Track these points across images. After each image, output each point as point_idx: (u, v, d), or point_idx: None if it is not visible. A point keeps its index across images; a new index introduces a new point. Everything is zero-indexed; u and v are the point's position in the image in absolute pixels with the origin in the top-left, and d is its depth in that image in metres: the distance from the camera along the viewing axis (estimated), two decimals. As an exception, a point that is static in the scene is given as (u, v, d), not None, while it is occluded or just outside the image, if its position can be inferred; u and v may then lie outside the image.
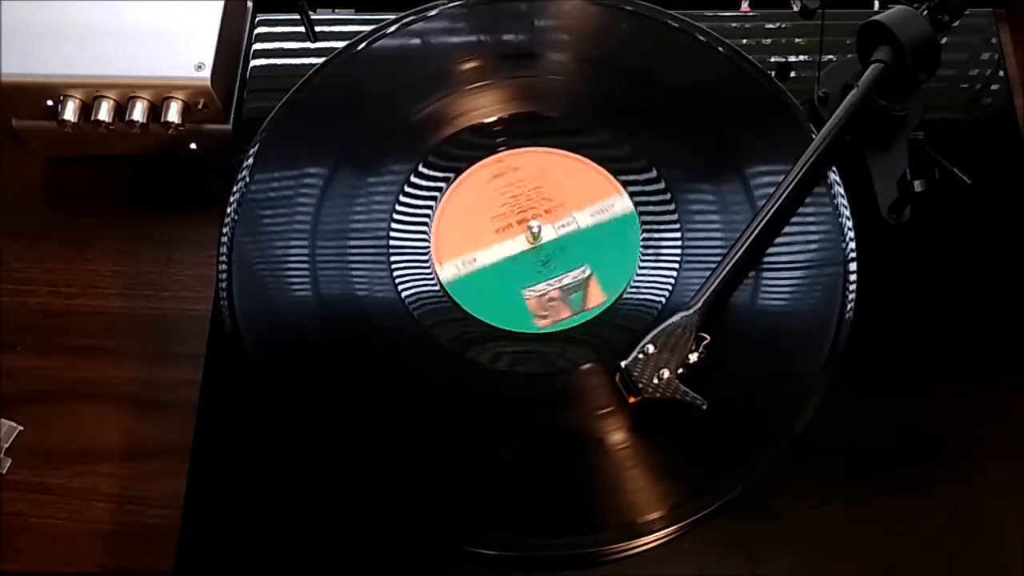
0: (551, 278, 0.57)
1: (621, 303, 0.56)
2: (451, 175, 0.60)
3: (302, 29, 0.65)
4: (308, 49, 0.66)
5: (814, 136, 0.57)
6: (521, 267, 0.57)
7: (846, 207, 0.57)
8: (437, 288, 0.57)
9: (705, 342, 0.53)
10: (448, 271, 0.56)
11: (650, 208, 0.59)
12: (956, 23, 0.59)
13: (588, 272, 0.56)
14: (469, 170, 0.58)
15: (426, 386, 0.55)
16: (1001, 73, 0.65)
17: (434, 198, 0.59)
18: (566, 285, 0.56)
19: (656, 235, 0.58)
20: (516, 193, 0.58)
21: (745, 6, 0.68)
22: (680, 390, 0.51)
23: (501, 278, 0.57)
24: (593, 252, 0.58)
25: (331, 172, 0.60)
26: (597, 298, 0.56)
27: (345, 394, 0.55)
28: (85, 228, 0.68)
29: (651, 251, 0.58)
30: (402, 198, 0.59)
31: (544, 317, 0.55)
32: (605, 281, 0.57)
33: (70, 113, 0.63)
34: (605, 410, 0.53)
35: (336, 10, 0.68)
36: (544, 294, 0.56)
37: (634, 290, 0.57)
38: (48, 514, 0.60)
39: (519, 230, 0.58)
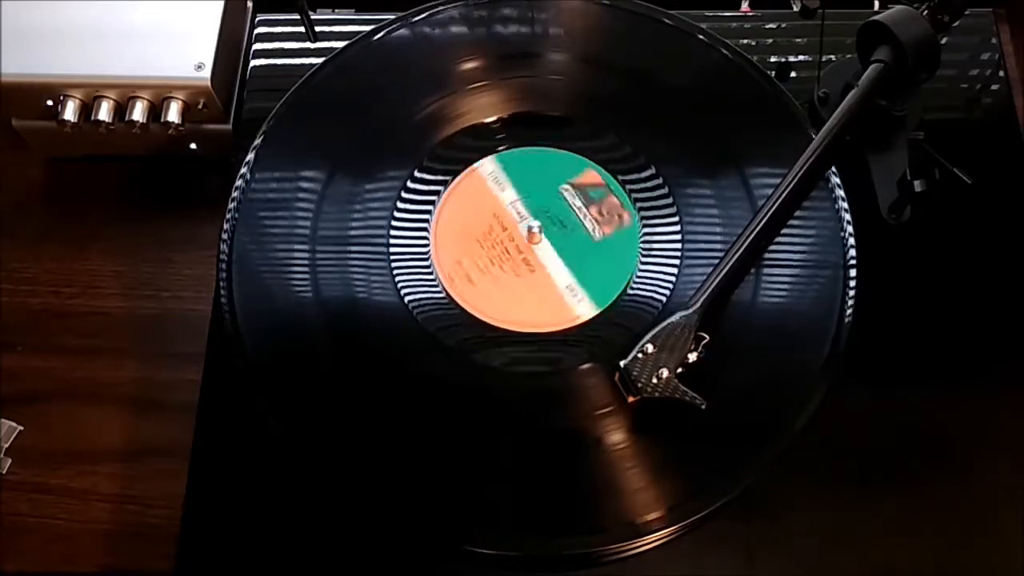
0: (577, 217, 0.59)
1: (621, 302, 0.56)
2: (449, 177, 0.60)
3: (302, 29, 0.65)
4: (308, 49, 0.66)
5: (814, 136, 0.57)
6: (568, 243, 0.59)
7: (846, 207, 0.57)
8: (437, 288, 0.57)
9: (704, 342, 0.53)
10: (584, 308, 0.57)
11: (650, 207, 0.59)
12: (956, 23, 0.59)
13: (566, 185, 0.60)
14: (448, 284, 0.58)
15: (426, 386, 0.55)
16: (1001, 73, 0.65)
17: (433, 201, 0.59)
18: (584, 202, 0.59)
19: (656, 234, 0.58)
20: (488, 257, 0.58)
21: (745, 6, 0.68)
22: (679, 390, 0.51)
23: (585, 261, 0.58)
24: (544, 183, 0.60)
25: (331, 171, 0.60)
26: (593, 177, 0.60)
27: (345, 393, 0.55)
28: (85, 228, 0.68)
29: (651, 250, 0.58)
30: (400, 202, 0.59)
31: (619, 218, 0.59)
32: (574, 173, 0.61)
33: (70, 113, 0.63)
34: (604, 410, 0.53)
35: (336, 10, 0.68)
36: (597, 219, 0.59)
37: (634, 289, 0.57)
38: (48, 514, 0.60)
39: (529, 248, 0.58)
